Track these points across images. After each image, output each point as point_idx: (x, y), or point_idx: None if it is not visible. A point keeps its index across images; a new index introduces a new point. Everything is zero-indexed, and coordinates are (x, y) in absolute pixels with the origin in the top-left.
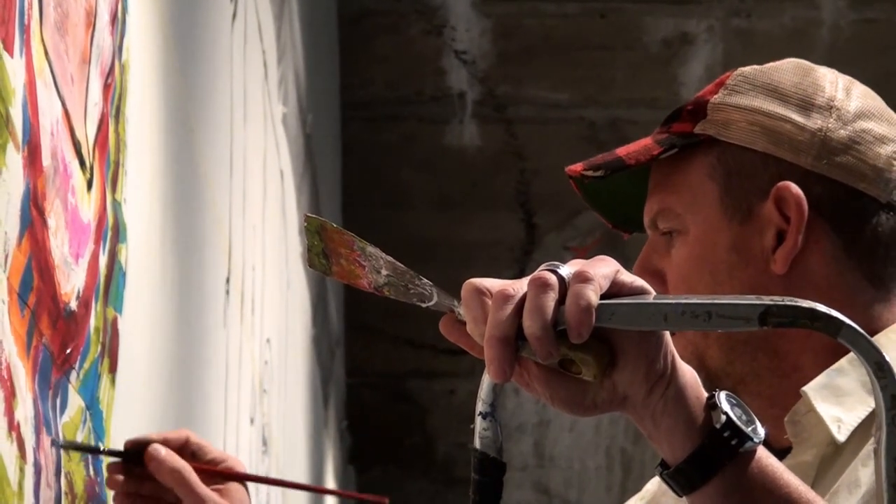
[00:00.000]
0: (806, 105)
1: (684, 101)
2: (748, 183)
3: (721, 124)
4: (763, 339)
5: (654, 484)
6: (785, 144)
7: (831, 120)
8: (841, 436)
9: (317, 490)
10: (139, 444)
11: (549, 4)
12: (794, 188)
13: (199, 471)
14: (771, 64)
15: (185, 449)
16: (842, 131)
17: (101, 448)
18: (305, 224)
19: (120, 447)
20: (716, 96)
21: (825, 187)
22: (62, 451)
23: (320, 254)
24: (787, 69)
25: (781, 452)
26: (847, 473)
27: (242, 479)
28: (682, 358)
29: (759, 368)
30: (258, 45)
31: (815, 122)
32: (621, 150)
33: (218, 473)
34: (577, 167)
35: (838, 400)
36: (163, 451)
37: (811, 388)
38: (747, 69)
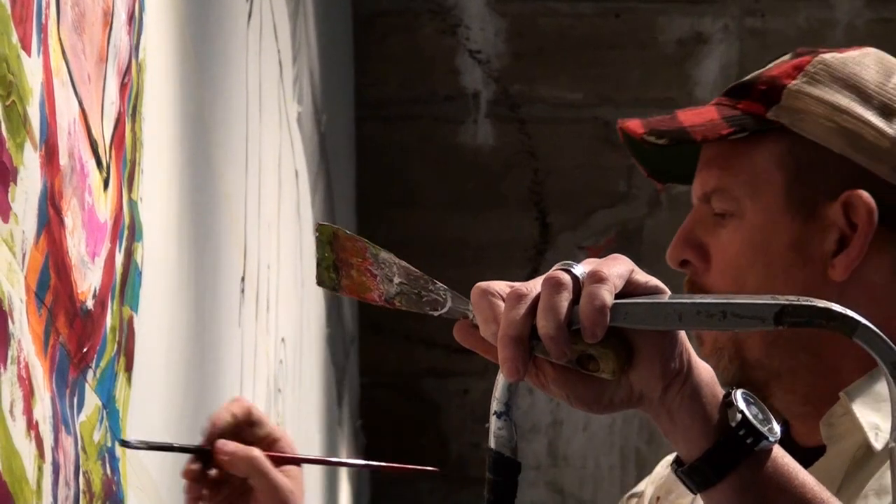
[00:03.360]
0: (888, 110)
1: (699, 101)
2: (818, 181)
3: (796, 114)
4: (808, 337)
5: (664, 467)
6: (864, 150)
7: None
8: (878, 443)
9: (372, 466)
10: (211, 437)
11: (564, 4)
12: (867, 197)
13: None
14: (851, 53)
15: (246, 421)
16: None
17: (174, 445)
18: (317, 234)
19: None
20: (793, 82)
21: None
22: (80, 450)
23: (330, 267)
24: (869, 64)
25: (808, 451)
26: (876, 478)
27: (302, 462)
28: (718, 344)
29: (798, 366)
30: (273, 44)
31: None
32: (684, 118)
33: (285, 461)
34: (638, 129)
35: (877, 406)
36: (231, 445)
37: (850, 392)
38: (828, 56)
